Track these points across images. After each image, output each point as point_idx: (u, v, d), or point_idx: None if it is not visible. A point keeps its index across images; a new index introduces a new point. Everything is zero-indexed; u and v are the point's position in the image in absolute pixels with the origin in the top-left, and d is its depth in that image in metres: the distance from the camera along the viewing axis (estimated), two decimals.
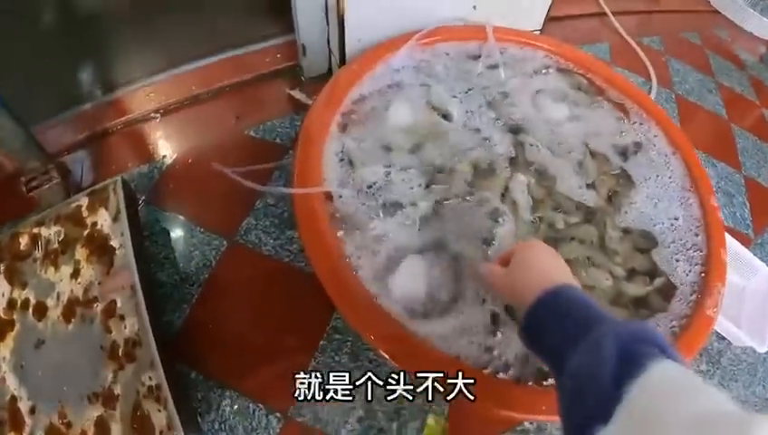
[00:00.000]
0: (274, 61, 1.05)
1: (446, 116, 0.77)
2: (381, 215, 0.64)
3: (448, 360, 0.55)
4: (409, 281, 0.60)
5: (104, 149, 0.93)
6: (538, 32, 1.10)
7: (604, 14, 1.53)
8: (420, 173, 0.70)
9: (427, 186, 0.69)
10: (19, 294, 0.70)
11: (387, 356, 0.54)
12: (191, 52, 1.03)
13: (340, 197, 0.65)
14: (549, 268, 0.48)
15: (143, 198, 0.86)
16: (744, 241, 1.10)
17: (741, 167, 1.27)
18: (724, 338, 0.94)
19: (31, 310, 0.68)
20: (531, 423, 0.73)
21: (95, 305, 0.67)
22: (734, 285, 1.00)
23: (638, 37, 1.51)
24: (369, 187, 0.67)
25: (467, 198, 0.68)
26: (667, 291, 0.69)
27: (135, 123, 0.97)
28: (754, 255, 1.03)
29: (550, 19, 1.17)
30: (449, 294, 0.60)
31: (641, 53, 1.43)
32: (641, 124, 0.87)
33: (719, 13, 1.96)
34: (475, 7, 0.95)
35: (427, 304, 0.59)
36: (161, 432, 0.59)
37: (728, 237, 0.98)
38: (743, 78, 1.64)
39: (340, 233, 0.62)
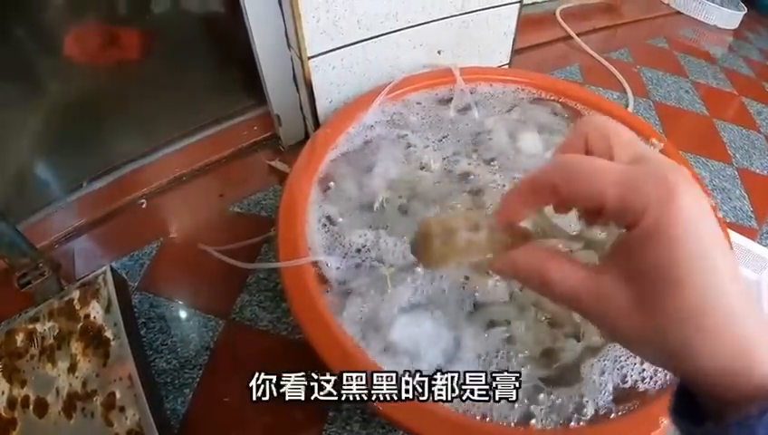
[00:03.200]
0: (252, 133, 1.05)
1: (425, 167, 0.75)
2: (373, 280, 0.62)
3: (457, 417, 0.52)
4: (410, 342, 0.57)
5: (93, 239, 0.92)
6: (507, 66, 1.11)
7: (570, 36, 1.54)
8: (408, 231, 0.68)
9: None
10: (19, 392, 0.67)
11: (401, 424, 0.50)
12: (170, 134, 1.02)
13: (328, 265, 0.63)
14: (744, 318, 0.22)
15: (135, 284, 0.84)
16: (750, 233, 1.07)
17: (731, 159, 1.24)
18: None
19: (32, 407, 0.65)
20: None
21: (95, 399, 0.64)
22: (750, 281, 0.95)
23: (607, 53, 1.51)
24: (358, 250, 0.65)
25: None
26: None
27: (122, 211, 0.95)
28: (764, 245, 1.00)
29: (517, 51, 1.17)
30: (449, 351, 0.57)
31: (612, 68, 1.42)
32: None
33: (681, 13, 1.98)
34: (439, 52, 0.95)
35: (432, 365, 0.56)
36: None
37: (734, 234, 0.96)
38: (716, 72, 1.62)
39: (332, 302, 0.60)
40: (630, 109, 1.28)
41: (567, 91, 0.91)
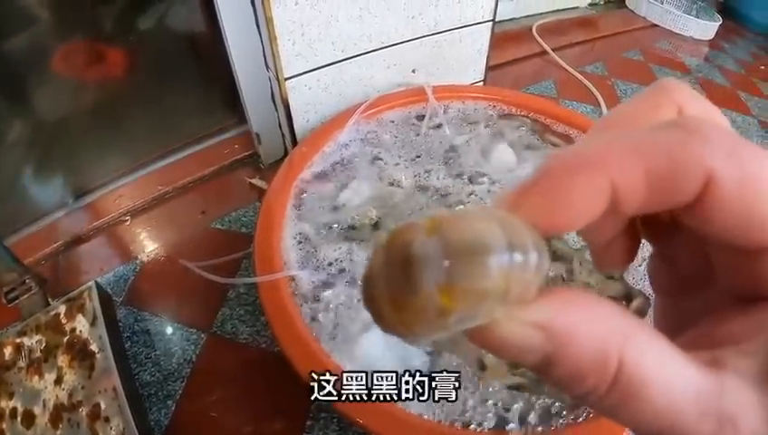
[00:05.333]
0: (233, 152, 1.08)
1: (396, 184, 0.78)
2: (348, 293, 0.65)
3: (433, 426, 0.55)
4: (377, 356, 0.60)
5: (79, 256, 0.94)
6: (481, 83, 1.15)
7: (545, 52, 1.58)
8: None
9: None
10: (7, 404, 0.69)
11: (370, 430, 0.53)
12: (153, 153, 1.05)
13: (302, 279, 0.66)
14: None
15: (120, 299, 0.86)
16: None
17: None
18: None
19: (19, 419, 0.67)
20: None
21: (80, 410, 0.67)
22: None
23: (582, 67, 1.55)
24: (331, 265, 0.68)
25: None
26: (645, 309, 0.69)
27: (106, 228, 0.98)
28: None
29: (493, 67, 1.22)
30: (422, 362, 0.60)
31: (586, 82, 1.46)
32: None
33: (658, 26, 2.05)
34: (414, 71, 0.99)
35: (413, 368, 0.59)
36: None
37: None
38: (691, 82, 1.67)
39: (307, 316, 0.63)
40: None
41: (537, 106, 0.94)
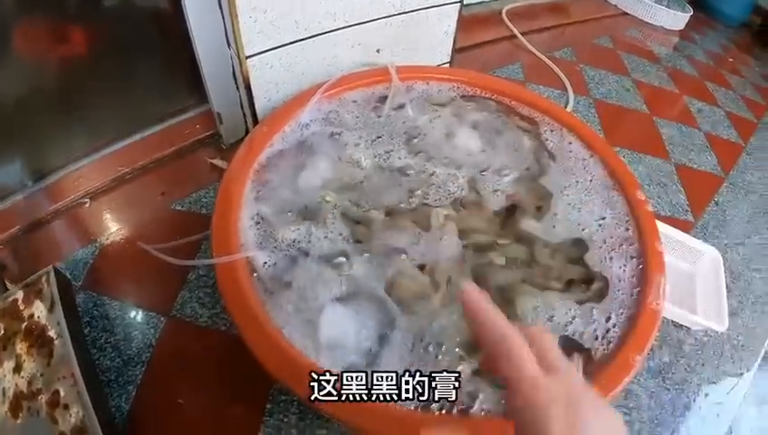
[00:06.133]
0: (194, 132, 1.05)
1: (357, 164, 0.77)
2: (303, 273, 0.64)
3: (387, 409, 0.54)
4: (337, 333, 0.59)
5: (38, 240, 0.91)
6: (447, 65, 1.14)
7: (514, 36, 1.59)
8: (343, 226, 0.70)
9: (348, 238, 0.69)
10: None
11: (330, 414, 0.53)
12: (113, 133, 1.02)
13: (260, 260, 0.65)
14: None
15: (79, 283, 0.84)
16: (686, 226, 1.13)
17: (669, 156, 1.31)
18: (682, 326, 0.94)
19: None
20: None
21: (40, 397, 0.65)
22: (685, 272, 1.01)
23: (550, 52, 1.56)
24: (290, 245, 0.67)
25: (387, 242, 0.69)
26: (605, 292, 0.70)
27: (66, 210, 0.95)
28: (698, 237, 1.05)
29: (461, 50, 1.21)
30: (377, 342, 0.60)
31: (554, 66, 1.46)
32: (553, 133, 0.88)
33: (628, 14, 2.07)
34: (378, 51, 0.98)
35: (360, 354, 0.59)
36: None
37: (667, 227, 1.01)
38: (659, 71, 1.70)
39: (265, 297, 0.62)
40: (570, 106, 1.33)
41: (502, 88, 0.94)
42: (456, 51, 1.17)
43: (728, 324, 0.89)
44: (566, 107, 1.34)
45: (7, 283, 0.80)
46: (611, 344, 0.62)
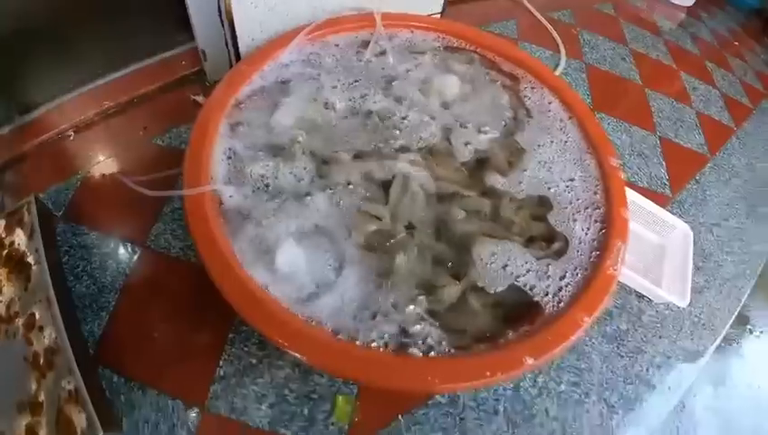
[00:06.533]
0: (179, 68, 1.06)
1: (331, 107, 0.78)
2: (269, 207, 0.66)
3: (338, 343, 0.57)
4: (294, 265, 0.61)
5: (24, 170, 0.94)
6: (438, 15, 1.13)
7: None
8: (310, 164, 0.72)
9: (316, 176, 0.71)
10: None
11: (284, 346, 0.55)
12: (98, 68, 1.03)
13: (227, 194, 0.66)
14: None
15: (60, 214, 0.87)
16: (662, 200, 1.15)
17: (655, 128, 1.32)
18: (643, 296, 0.97)
19: None
20: (443, 396, 0.75)
21: (17, 320, 0.70)
22: (654, 244, 1.04)
23: (549, 12, 1.55)
24: (257, 180, 0.68)
25: (353, 183, 0.71)
26: (563, 252, 0.72)
27: (51, 143, 0.97)
28: (673, 212, 1.08)
29: (455, 1, 1.19)
30: (334, 274, 0.62)
31: (549, 27, 1.46)
32: (534, 91, 0.89)
33: None
34: None
35: (316, 286, 0.61)
36: (82, 432, 0.60)
37: (641, 198, 1.02)
38: (659, 44, 1.69)
39: (227, 229, 0.63)
40: (561, 68, 1.34)
41: (486, 42, 0.94)
42: (450, 2, 1.16)
43: (690, 301, 0.92)
44: (556, 68, 1.34)
45: None
46: (562, 303, 0.64)
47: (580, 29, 1.56)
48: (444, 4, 1.10)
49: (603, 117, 1.27)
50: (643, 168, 1.20)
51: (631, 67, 1.49)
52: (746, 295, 1.11)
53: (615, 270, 0.67)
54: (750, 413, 1.13)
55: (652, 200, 1.04)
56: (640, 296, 0.97)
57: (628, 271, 0.92)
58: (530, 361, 0.57)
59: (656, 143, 1.28)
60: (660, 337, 0.94)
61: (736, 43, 2.08)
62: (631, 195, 0.98)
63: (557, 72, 1.34)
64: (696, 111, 1.47)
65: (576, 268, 0.68)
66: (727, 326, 1.03)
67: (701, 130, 1.41)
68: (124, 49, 1.05)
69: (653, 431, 0.87)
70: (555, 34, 1.44)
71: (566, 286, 0.66)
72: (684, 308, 0.94)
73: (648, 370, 0.89)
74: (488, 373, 0.55)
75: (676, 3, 2.05)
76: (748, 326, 1.29)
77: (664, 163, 1.23)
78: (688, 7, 2.10)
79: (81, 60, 1.01)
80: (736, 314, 1.06)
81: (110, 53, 1.04)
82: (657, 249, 1.03)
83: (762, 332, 1.24)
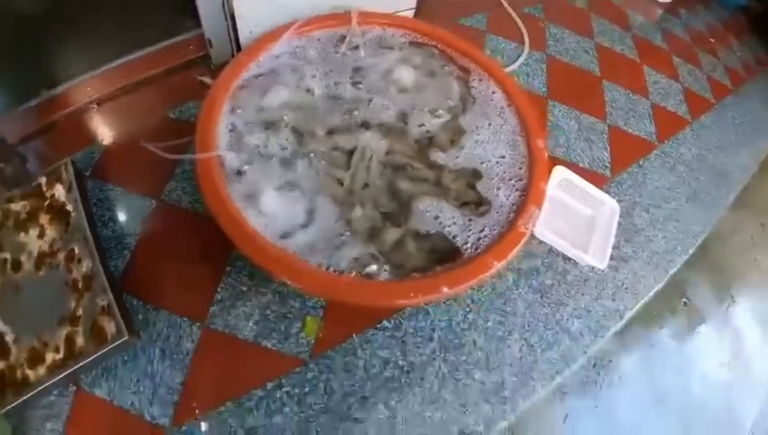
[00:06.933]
0: (188, 52, 1.28)
1: (311, 92, 1.02)
2: (260, 168, 0.89)
3: (308, 268, 0.81)
4: (277, 211, 0.85)
5: (54, 137, 1.16)
6: (413, 10, 1.35)
7: None
8: (292, 137, 0.95)
9: (297, 146, 0.94)
10: None
11: (267, 268, 0.79)
12: (118, 49, 1.26)
13: (228, 158, 0.89)
14: None
15: (88, 173, 1.10)
16: (601, 180, 1.37)
17: (606, 117, 1.53)
18: (570, 259, 1.18)
19: (9, 266, 0.92)
20: (389, 321, 0.99)
21: (59, 255, 0.93)
22: (586, 216, 1.26)
23: (521, 7, 1.74)
24: (251, 148, 0.92)
25: (332, 147, 0.94)
26: (486, 213, 0.95)
27: (77, 113, 1.19)
28: (610, 191, 1.32)
29: None
30: (305, 219, 0.85)
31: (518, 20, 1.66)
32: (481, 82, 1.13)
33: None
34: None
35: (293, 226, 0.85)
36: (112, 336, 0.84)
37: (577, 177, 1.24)
38: (626, 38, 1.89)
39: (228, 184, 0.87)
40: (521, 59, 1.56)
41: (446, 39, 1.18)
42: None
43: (617, 267, 1.16)
44: (517, 60, 1.56)
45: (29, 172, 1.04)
46: (478, 250, 0.88)
47: (548, 23, 1.76)
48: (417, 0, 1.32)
49: (555, 104, 1.49)
50: (586, 151, 1.42)
51: (592, 60, 1.70)
52: (676, 269, 1.32)
53: (526, 229, 0.91)
54: (673, 375, 1.40)
55: (591, 180, 1.26)
56: (567, 259, 1.19)
57: (554, 236, 1.15)
58: (445, 289, 0.81)
59: (603, 130, 1.49)
60: (582, 294, 1.15)
61: (712, 40, 2.27)
62: (567, 173, 1.21)
63: (518, 63, 1.55)
64: (653, 102, 1.68)
65: (494, 225, 0.92)
66: (651, 292, 1.24)
67: (653, 121, 1.62)
68: (140, 33, 1.28)
69: (566, 375, 1.07)
70: (523, 28, 1.64)
71: (484, 238, 0.90)
72: (605, 271, 1.16)
73: (567, 320, 1.10)
74: (411, 295, 0.80)
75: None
76: (683, 299, 1.56)
77: (608, 147, 1.45)
78: (668, 4, 2.28)
79: (101, 42, 1.24)
80: (663, 283, 1.28)
81: (127, 36, 1.27)
82: (589, 220, 1.26)
83: (695, 304, 1.53)
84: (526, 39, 1.62)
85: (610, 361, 1.37)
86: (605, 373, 1.35)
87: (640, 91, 1.70)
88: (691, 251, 1.37)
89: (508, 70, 1.52)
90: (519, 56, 1.58)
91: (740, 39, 2.48)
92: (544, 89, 1.53)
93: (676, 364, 1.46)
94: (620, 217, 1.26)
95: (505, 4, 1.72)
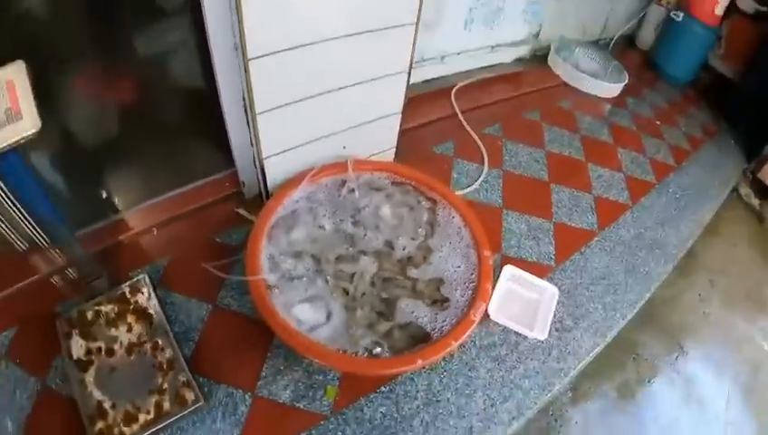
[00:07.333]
0: (224, 188, 1.81)
1: (323, 228, 1.60)
2: (292, 285, 1.48)
3: (327, 349, 1.39)
4: (307, 315, 1.44)
5: (126, 253, 1.65)
6: (394, 148, 1.99)
7: (456, 114, 2.33)
8: (312, 262, 1.54)
9: (316, 269, 1.54)
10: (93, 345, 1.33)
11: (303, 353, 1.35)
12: (172, 184, 1.76)
13: (269, 278, 1.49)
14: None
15: (156, 282, 1.57)
16: (546, 269, 1.86)
17: (552, 216, 2.04)
18: (520, 334, 1.67)
19: (103, 352, 1.31)
20: (385, 387, 1.52)
21: (145, 344, 1.35)
22: (532, 300, 1.77)
23: (483, 128, 2.30)
24: (284, 271, 1.51)
25: (340, 269, 1.55)
26: (448, 308, 1.54)
27: (142, 235, 1.68)
28: (555, 278, 1.82)
29: (408, 130, 2.02)
30: (325, 320, 1.44)
31: (479, 143, 2.20)
32: (444, 210, 1.71)
33: (569, 84, 2.80)
34: (344, 147, 1.82)
35: (316, 324, 1.44)
36: (191, 401, 1.25)
37: (523, 272, 1.75)
38: (574, 141, 2.44)
39: (272, 296, 1.44)
40: (481, 179, 2.10)
41: (418, 178, 1.75)
42: (404, 130, 1.98)
43: (559, 336, 1.67)
44: (479, 179, 2.11)
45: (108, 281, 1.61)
46: (442, 334, 1.45)
47: (506, 140, 2.29)
48: (397, 140, 1.95)
49: (509, 212, 1.98)
50: (534, 247, 1.90)
51: (542, 168, 2.22)
52: (615, 332, 1.76)
53: (475, 317, 1.46)
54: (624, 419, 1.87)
55: (538, 271, 1.78)
56: (518, 334, 1.66)
57: (507, 318, 1.67)
58: (420, 362, 1.35)
59: (549, 228, 1.98)
60: (532, 359, 1.60)
61: (657, 123, 2.80)
62: (514, 270, 1.75)
63: (478, 182, 2.06)
64: (595, 196, 2.19)
65: (453, 316, 1.47)
66: (592, 354, 1.69)
67: (595, 212, 2.11)
68: (190, 172, 1.80)
69: (521, 422, 1.47)
70: (483, 149, 2.16)
71: (446, 325, 1.46)
72: (550, 340, 1.65)
73: (520, 379, 1.54)
74: (398, 367, 1.38)
75: (601, 96, 2.81)
76: (633, 356, 2.03)
77: (553, 242, 1.93)
78: (615, 97, 2.84)
79: (159, 178, 1.75)
80: (602, 346, 1.73)
81: (180, 174, 1.79)
82: (534, 303, 1.76)
83: (645, 358, 2.01)
84: (486, 159, 2.14)
85: (567, 410, 1.82)
86: (562, 421, 1.79)
87: (584, 188, 2.20)
88: (629, 317, 1.81)
89: (471, 189, 2.04)
90: (480, 175, 2.10)
91: (687, 113, 2.99)
92: (500, 201, 2.03)
93: (628, 411, 1.89)
94: (563, 297, 1.76)
95: (469, 129, 2.26)
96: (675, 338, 2.18)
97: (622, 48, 3.49)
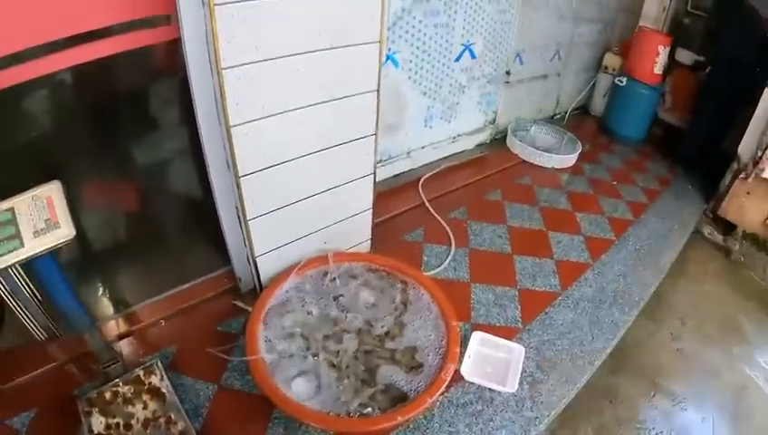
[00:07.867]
0: (222, 283, 2.15)
1: (311, 314, 1.95)
2: (288, 361, 1.83)
3: (322, 414, 1.71)
4: (302, 387, 1.77)
5: (135, 342, 1.95)
6: (370, 239, 2.36)
7: (423, 203, 2.67)
8: (302, 342, 1.89)
9: (304, 348, 1.89)
10: (112, 421, 1.56)
11: (300, 418, 1.69)
12: (176, 280, 2.12)
13: (268, 357, 1.83)
14: None
15: (166, 366, 1.86)
16: (513, 332, 2.15)
17: (517, 284, 2.34)
18: (494, 390, 1.95)
19: (122, 427, 1.54)
20: None
21: (160, 419, 1.59)
22: (502, 360, 2.06)
23: (449, 212, 2.63)
24: (279, 351, 1.86)
25: (326, 347, 1.90)
26: (422, 370, 1.88)
27: (151, 326, 2.00)
28: (523, 337, 2.10)
29: (381, 223, 2.42)
30: (316, 390, 1.77)
31: (446, 227, 2.53)
32: (414, 290, 2.08)
33: (526, 161, 3.19)
34: (325, 242, 2.21)
35: (310, 394, 1.77)
36: None
37: (491, 336, 2.06)
38: (534, 213, 2.77)
39: (270, 373, 1.79)
40: (449, 259, 2.42)
41: (391, 264, 2.10)
42: (378, 223, 2.38)
43: (528, 388, 1.96)
44: (446, 259, 2.44)
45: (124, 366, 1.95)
46: (418, 392, 1.78)
47: (470, 221, 2.61)
48: (371, 231, 2.33)
49: (477, 285, 2.29)
50: (502, 313, 2.19)
51: (505, 242, 2.54)
52: (585, 379, 2.01)
53: (446, 376, 1.78)
54: None
55: (506, 333, 2.07)
56: (492, 390, 1.93)
57: (480, 378, 1.97)
58: (400, 418, 1.65)
59: (515, 295, 2.27)
60: (506, 411, 1.86)
61: (614, 183, 3.12)
62: (483, 335, 2.06)
63: (446, 262, 2.41)
64: (556, 260, 2.49)
65: (427, 377, 1.78)
66: (564, 401, 1.95)
67: (557, 274, 2.40)
68: (192, 270, 2.16)
69: None
70: (450, 232, 2.49)
71: (420, 386, 1.77)
72: (523, 393, 1.92)
73: (496, 429, 1.80)
74: (378, 424, 1.70)
75: (558, 167, 3.16)
76: (609, 399, 2.26)
77: (519, 307, 2.23)
78: (570, 167, 3.17)
79: (163, 275, 2.12)
80: (574, 392, 2.00)
81: (184, 272, 2.15)
82: (504, 362, 2.05)
83: (621, 400, 2.24)
84: (452, 240, 2.46)
85: None
86: None
87: (545, 254, 2.51)
88: (597, 364, 2.06)
89: (440, 268, 2.39)
90: (448, 256, 2.42)
91: (643, 168, 3.30)
92: (467, 276, 2.35)
93: None
94: (532, 353, 2.03)
95: (436, 215, 2.59)
96: (649, 377, 2.37)
97: (578, 117, 3.91)
